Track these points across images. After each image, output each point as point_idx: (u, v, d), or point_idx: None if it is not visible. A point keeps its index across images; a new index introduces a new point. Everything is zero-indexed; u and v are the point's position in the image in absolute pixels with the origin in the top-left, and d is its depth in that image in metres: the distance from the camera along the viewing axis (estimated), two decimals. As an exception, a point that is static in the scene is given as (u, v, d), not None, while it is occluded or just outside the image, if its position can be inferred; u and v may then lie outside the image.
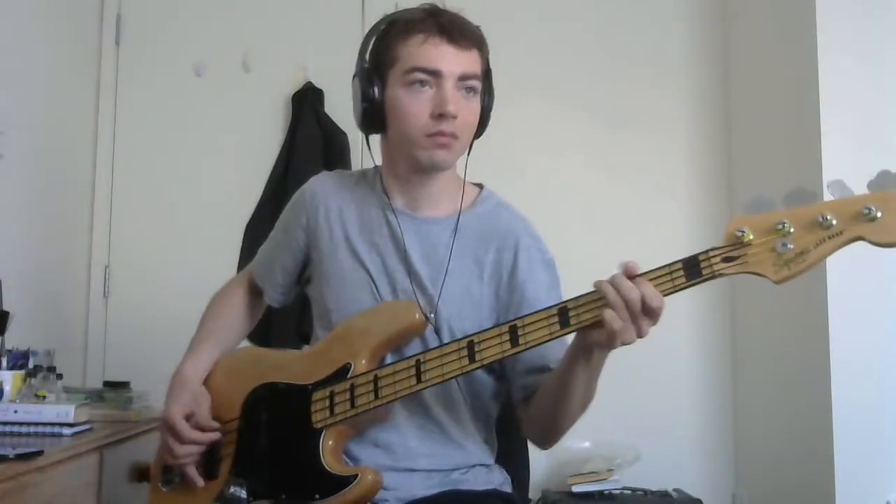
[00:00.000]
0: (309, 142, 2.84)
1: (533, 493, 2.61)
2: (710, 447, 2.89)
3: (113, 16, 2.94)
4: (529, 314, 1.18)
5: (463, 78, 1.30)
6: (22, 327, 1.99)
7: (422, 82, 1.28)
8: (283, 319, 2.29)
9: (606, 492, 2.59)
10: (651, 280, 1.11)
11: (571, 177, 2.94)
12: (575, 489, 2.59)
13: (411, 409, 1.32)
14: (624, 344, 1.12)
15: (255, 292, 1.55)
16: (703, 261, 1.09)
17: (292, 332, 2.40)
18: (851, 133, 2.27)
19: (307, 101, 2.88)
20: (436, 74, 1.28)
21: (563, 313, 1.16)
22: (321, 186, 1.45)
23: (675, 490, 2.69)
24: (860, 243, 1.04)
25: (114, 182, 2.90)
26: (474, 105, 1.33)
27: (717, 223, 2.71)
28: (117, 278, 2.87)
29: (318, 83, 2.89)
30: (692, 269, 1.10)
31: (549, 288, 1.36)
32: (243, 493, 1.29)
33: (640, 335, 1.12)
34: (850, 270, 2.26)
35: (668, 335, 2.90)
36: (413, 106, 1.29)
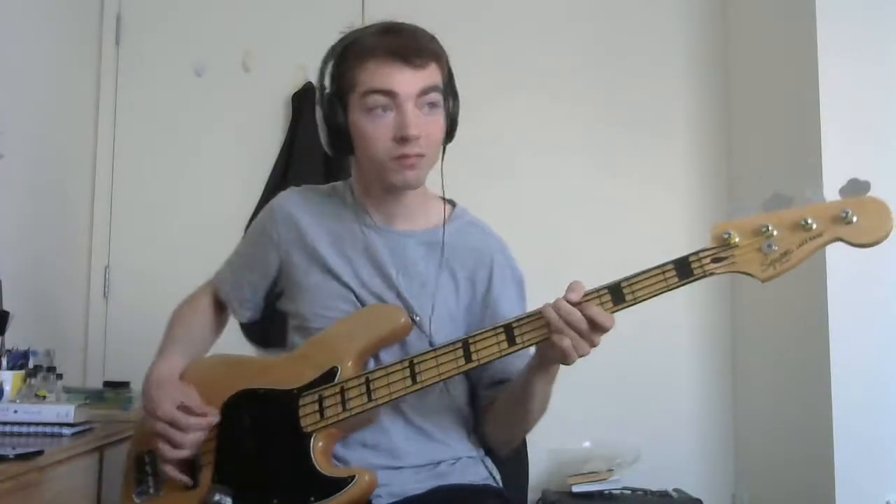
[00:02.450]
0: (309, 142, 2.83)
1: (533, 493, 2.62)
2: (710, 447, 2.89)
3: (113, 16, 2.94)
4: (524, 317, 1.22)
5: (421, 94, 1.30)
6: (22, 327, 1.99)
7: (382, 107, 1.29)
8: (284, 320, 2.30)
9: (606, 492, 2.59)
10: (644, 280, 1.17)
11: (570, 176, 2.93)
12: (575, 489, 2.59)
13: (390, 413, 1.34)
14: (581, 356, 1.18)
15: (219, 306, 1.56)
16: (694, 261, 1.17)
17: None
18: (851, 133, 2.26)
19: (307, 101, 2.88)
20: (392, 96, 1.28)
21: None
22: (289, 201, 1.46)
23: (675, 490, 2.69)
24: (838, 244, 1.14)
25: (114, 182, 2.90)
26: (437, 118, 1.33)
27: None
28: (117, 278, 2.87)
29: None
30: (684, 270, 1.17)
31: (518, 303, 1.42)
32: (228, 501, 1.28)
33: (592, 346, 1.18)
34: (850, 271, 2.26)
35: (668, 336, 2.92)
36: (374, 131, 1.29)
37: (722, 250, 1.16)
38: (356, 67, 1.30)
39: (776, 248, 1.13)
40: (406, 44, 1.30)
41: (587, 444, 2.78)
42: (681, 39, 3.04)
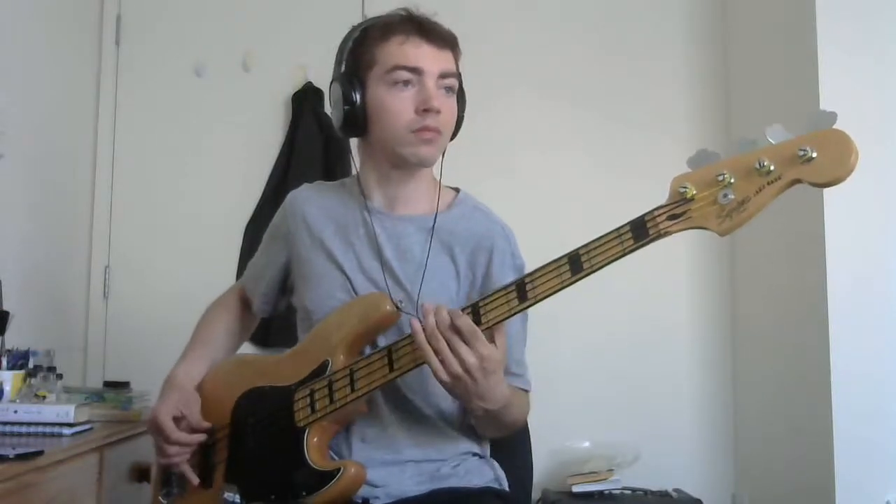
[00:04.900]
0: (309, 142, 2.85)
1: (533, 493, 2.60)
2: (710, 447, 2.89)
3: (113, 16, 2.94)
4: (490, 293, 1.20)
5: (442, 76, 1.34)
6: (22, 327, 1.99)
7: (404, 81, 1.32)
8: (283, 318, 2.30)
9: (606, 492, 2.59)
10: (601, 245, 1.12)
11: (569, 174, 2.93)
12: (575, 489, 2.59)
13: (393, 401, 1.35)
14: (454, 376, 1.15)
15: (247, 304, 1.59)
16: (649, 221, 1.10)
17: (292, 332, 2.40)
18: (851, 133, 2.26)
19: (307, 101, 2.88)
20: (417, 72, 1.32)
21: (520, 288, 1.17)
22: (299, 196, 1.50)
23: (675, 490, 2.69)
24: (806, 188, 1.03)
25: (114, 182, 2.90)
26: (453, 103, 1.38)
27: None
28: (117, 278, 2.87)
29: (318, 83, 2.89)
30: (639, 230, 1.11)
31: None
32: (237, 499, 1.31)
33: (462, 364, 1.14)
34: (850, 270, 2.27)
35: (668, 336, 2.92)
36: (397, 103, 1.32)
37: (678, 205, 1.07)
38: (377, 45, 1.34)
39: (733, 196, 1.03)
40: (429, 24, 1.35)
41: (587, 444, 2.78)
42: (680, 38, 3.04)
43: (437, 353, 1.16)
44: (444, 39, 1.35)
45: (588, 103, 2.97)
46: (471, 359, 1.15)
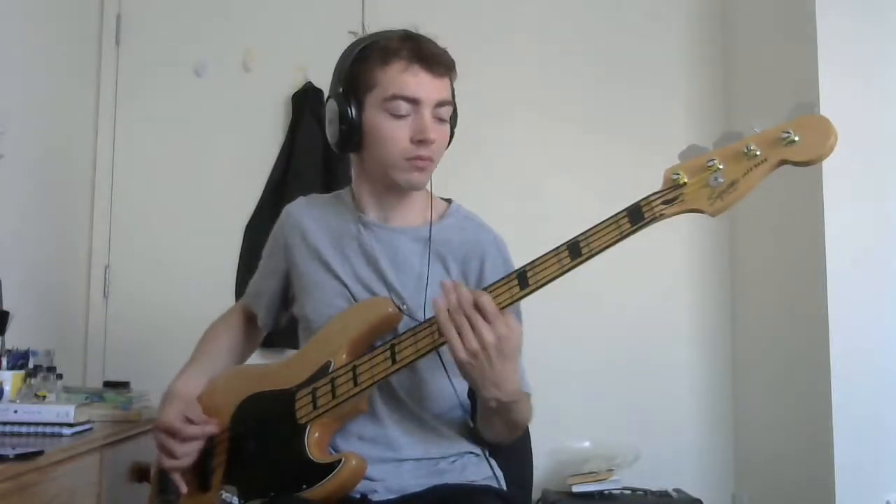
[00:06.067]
0: (309, 142, 2.84)
1: (533, 493, 2.61)
2: (710, 447, 2.89)
3: (113, 16, 2.94)
4: (491, 284, 1.22)
5: (439, 105, 1.36)
6: (22, 327, 1.99)
7: (403, 110, 1.33)
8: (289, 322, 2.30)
9: (606, 492, 2.59)
10: (599, 230, 1.17)
11: (571, 181, 2.92)
12: (575, 489, 2.59)
13: (389, 404, 1.36)
14: (472, 353, 1.16)
15: (250, 320, 1.60)
16: (645, 206, 1.16)
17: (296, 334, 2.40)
18: (851, 134, 2.25)
19: (307, 101, 2.88)
20: (415, 102, 1.33)
21: (521, 276, 1.20)
22: (296, 209, 1.52)
23: (675, 490, 2.70)
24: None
25: (114, 182, 2.90)
26: (446, 128, 1.40)
27: (718, 227, 2.71)
28: (117, 278, 2.87)
29: (318, 83, 2.89)
30: (635, 215, 1.16)
31: None
32: (234, 500, 1.32)
33: (480, 341, 1.15)
34: (850, 268, 2.27)
35: (668, 335, 2.92)
36: (393, 132, 1.34)
37: (671, 191, 1.15)
38: (377, 69, 1.34)
39: (722, 179, 1.12)
40: (429, 51, 1.35)
41: (587, 444, 2.78)
42: (680, 43, 3.04)
43: (457, 328, 1.16)
44: (442, 66, 1.35)
45: (591, 113, 2.96)
46: (489, 336, 1.16)
